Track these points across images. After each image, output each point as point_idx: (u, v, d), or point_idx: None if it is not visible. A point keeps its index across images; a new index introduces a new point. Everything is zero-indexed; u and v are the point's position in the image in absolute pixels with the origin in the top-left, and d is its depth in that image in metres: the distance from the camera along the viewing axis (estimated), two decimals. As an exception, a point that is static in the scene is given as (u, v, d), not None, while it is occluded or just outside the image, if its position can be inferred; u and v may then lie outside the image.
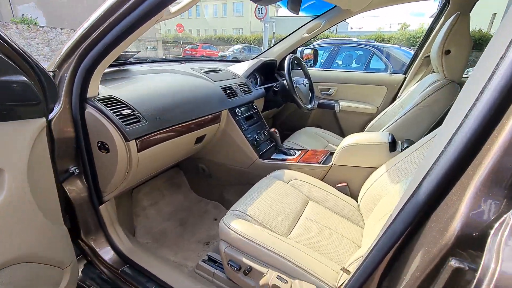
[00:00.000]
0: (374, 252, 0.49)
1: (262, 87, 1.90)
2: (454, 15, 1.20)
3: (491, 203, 0.31)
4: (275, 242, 0.88)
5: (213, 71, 1.62)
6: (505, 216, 0.30)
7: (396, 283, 0.43)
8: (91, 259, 1.11)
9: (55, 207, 0.79)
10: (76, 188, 1.00)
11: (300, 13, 1.38)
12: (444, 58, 1.24)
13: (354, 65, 5.25)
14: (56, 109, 0.86)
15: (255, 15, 13.46)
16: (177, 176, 1.80)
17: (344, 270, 0.71)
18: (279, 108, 2.25)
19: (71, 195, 0.99)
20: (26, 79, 0.61)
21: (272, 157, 1.51)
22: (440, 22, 1.64)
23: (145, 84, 1.16)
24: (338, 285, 0.73)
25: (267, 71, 2.13)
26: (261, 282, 0.85)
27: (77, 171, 0.98)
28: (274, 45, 2.14)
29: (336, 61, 5.09)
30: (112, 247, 1.13)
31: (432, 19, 1.81)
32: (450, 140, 0.38)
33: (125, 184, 1.05)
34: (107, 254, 1.12)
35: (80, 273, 1.13)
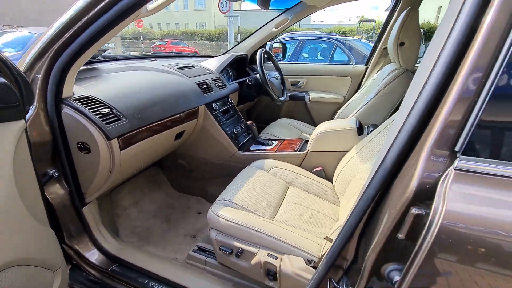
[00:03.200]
0: (351, 217, 0.58)
1: (235, 81, 1.94)
2: (406, 10, 1.35)
3: (438, 162, 0.41)
4: (263, 224, 0.95)
5: (186, 67, 1.63)
6: (448, 169, 0.39)
7: (371, 238, 0.52)
8: (76, 262, 1.09)
9: (41, 210, 0.78)
10: (56, 192, 0.97)
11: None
12: (399, 50, 1.39)
13: (319, 57, 5.47)
14: (31, 111, 0.83)
15: (219, 9, 13.24)
16: (157, 174, 1.79)
17: (327, 238, 0.80)
18: (253, 101, 2.32)
19: (52, 199, 0.96)
20: (6, 81, 0.60)
21: (250, 149, 1.57)
22: (394, 16, 1.82)
23: (121, 82, 1.15)
24: (323, 253, 0.82)
25: (239, 66, 2.17)
26: (253, 261, 0.92)
27: (56, 174, 0.95)
28: (243, 39, 2.19)
29: (302, 54, 5.26)
30: (98, 248, 1.12)
31: (387, 13, 1.99)
32: (407, 118, 0.47)
33: (108, 184, 1.04)
34: (94, 256, 1.10)
35: (65, 279, 1.11)
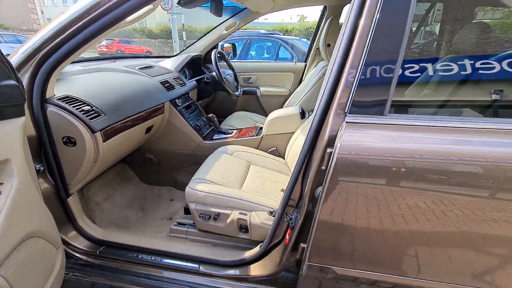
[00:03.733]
0: (296, 166, 0.87)
1: (193, 79, 2.12)
2: (329, 19, 1.72)
3: (339, 119, 0.70)
4: (233, 192, 1.20)
5: (147, 67, 1.76)
6: (343, 123, 0.69)
7: (308, 175, 0.81)
8: (64, 250, 1.18)
9: (41, 195, 0.89)
10: (42, 185, 1.06)
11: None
12: (327, 50, 1.75)
13: (265, 55, 5.85)
14: (19, 110, 0.92)
15: (161, 6, 12.76)
16: (124, 170, 1.87)
17: (282, 190, 1.09)
18: (210, 97, 2.51)
19: None
20: (16, 83, 0.72)
21: (214, 138, 1.79)
22: (323, 23, 2.21)
23: (93, 83, 1.26)
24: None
25: (194, 65, 2.34)
26: (228, 220, 1.16)
27: (42, 168, 1.04)
28: (197, 40, 2.36)
29: (250, 52, 5.58)
30: (83, 235, 1.22)
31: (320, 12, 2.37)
32: (322, 97, 0.76)
33: (92, 174, 1.16)
34: (80, 242, 1.21)
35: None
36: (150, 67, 1.79)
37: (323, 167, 0.74)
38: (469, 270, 0.72)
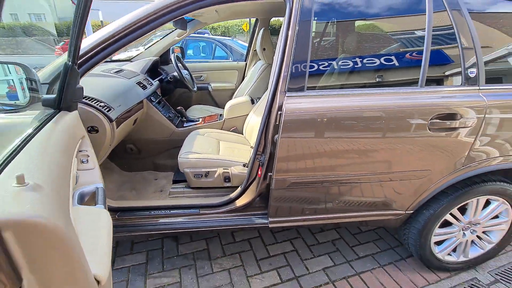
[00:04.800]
0: (260, 127, 1.44)
1: (156, 79, 2.48)
2: (262, 30, 2.34)
3: (283, 95, 1.31)
4: (215, 156, 1.71)
5: (120, 71, 2.07)
6: (285, 97, 1.30)
7: (269, 129, 1.40)
8: (89, 218, 1.50)
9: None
10: (72, 165, 1.37)
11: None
12: (263, 53, 2.38)
13: (202, 54, 6.24)
14: (58, 107, 1.24)
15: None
16: (105, 162, 2.14)
17: (251, 147, 1.66)
18: (168, 95, 2.88)
19: None
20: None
21: (184, 125, 2.24)
22: (256, 31, 2.84)
23: (92, 85, 1.57)
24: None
25: (152, 68, 2.68)
26: (216, 175, 1.67)
27: (71, 152, 1.36)
28: (151, 45, 2.70)
29: (187, 52, 5.89)
30: (100, 206, 1.55)
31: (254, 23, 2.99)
32: (272, 84, 1.36)
33: (106, 155, 1.50)
34: (100, 211, 1.54)
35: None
36: (121, 70, 2.10)
37: (277, 123, 1.33)
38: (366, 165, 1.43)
